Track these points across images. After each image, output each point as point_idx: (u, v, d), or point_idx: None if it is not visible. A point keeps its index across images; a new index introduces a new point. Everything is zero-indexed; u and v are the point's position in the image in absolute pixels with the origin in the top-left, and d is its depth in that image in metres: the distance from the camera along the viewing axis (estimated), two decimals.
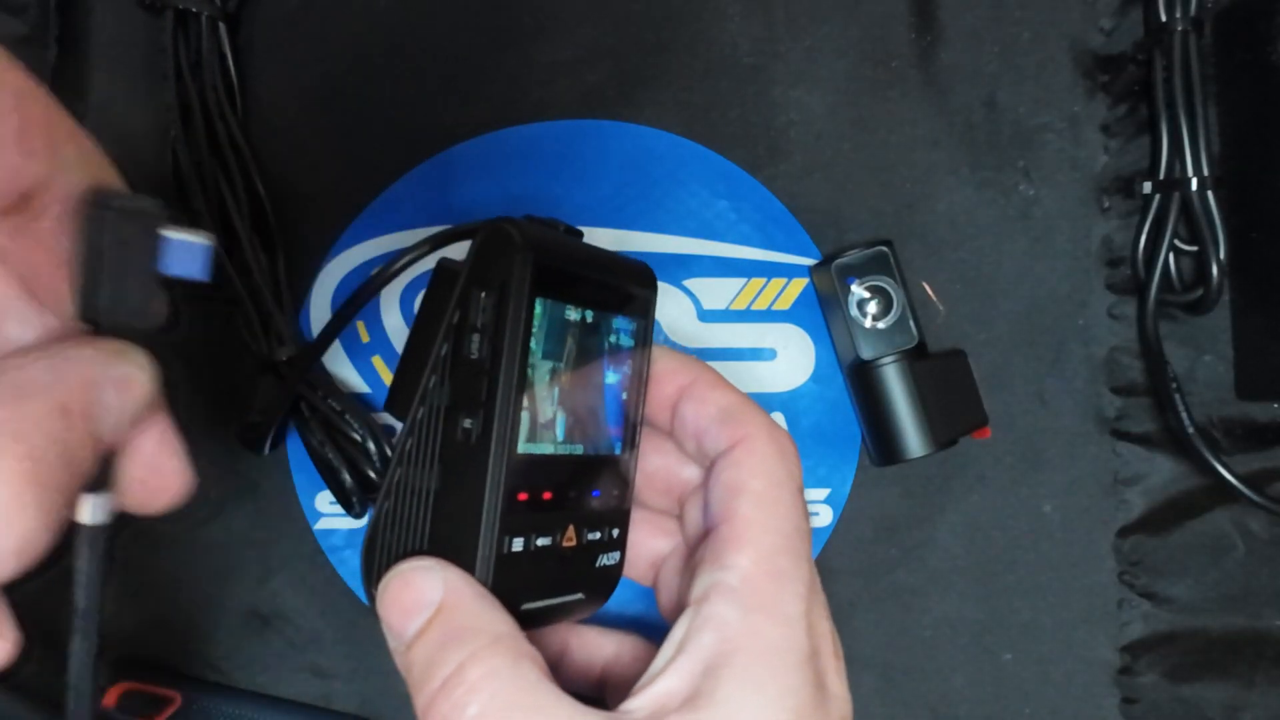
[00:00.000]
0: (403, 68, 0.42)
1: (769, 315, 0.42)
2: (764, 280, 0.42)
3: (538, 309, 0.26)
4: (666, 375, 0.31)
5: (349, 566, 0.41)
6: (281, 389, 0.38)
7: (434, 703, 0.23)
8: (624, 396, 0.30)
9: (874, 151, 0.42)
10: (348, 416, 0.39)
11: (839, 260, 0.39)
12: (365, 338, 0.41)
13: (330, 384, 0.40)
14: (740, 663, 0.25)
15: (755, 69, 0.42)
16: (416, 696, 0.24)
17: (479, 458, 0.25)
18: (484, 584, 0.25)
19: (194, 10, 0.40)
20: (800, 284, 0.42)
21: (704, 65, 0.42)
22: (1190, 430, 0.39)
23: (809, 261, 0.42)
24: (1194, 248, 0.40)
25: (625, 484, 0.31)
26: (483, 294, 0.26)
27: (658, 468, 0.33)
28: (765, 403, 0.41)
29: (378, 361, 0.41)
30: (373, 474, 0.39)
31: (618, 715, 0.24)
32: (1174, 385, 0.40)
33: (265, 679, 0.41)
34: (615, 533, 0.30)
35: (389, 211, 0.41)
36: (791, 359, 0.41)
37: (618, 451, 0.30)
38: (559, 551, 0.27)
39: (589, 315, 0.28)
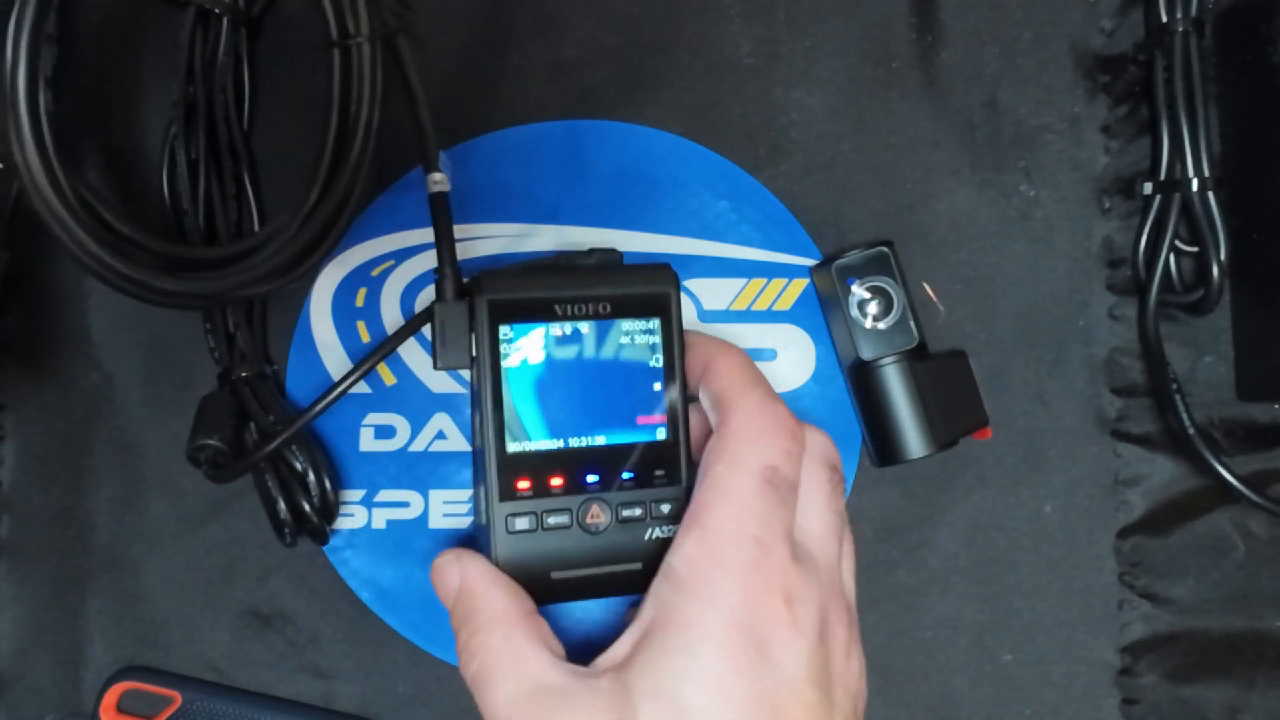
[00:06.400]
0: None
1: (769, 316, 0.42)
2: (764, 281, 0.42)
3: (508, 332, 0.32)
4: (693, 361, 0.34)
5: (349, 567, 0.41)
6: (252, 453, 0.37)
7: (462, 656, 0.31)
8: (656, 387, 0.33)
9: (875, 152, 0.42)
10: (294, 447, 0.38)
11: (839, 261, 0.39)
12: (366, 338, 0.41)
13: (279, 407, 0.40)
14: (659, 635, 0.29)
15: (756, 69, 0.42)
16: (457, 645, 0.31)
17: (482, 460, 0.32)
18: (496, 560, 0.32)
19: (216, 11, 0.39)
20: (801, 284, 0.42)
21: (704, 65, 0.42)
22: (1191, 431, 0.39)
23: (809, 262, 0.42)
24: (1195, 249, 0.40)
25: (672, 465, 0.34)
26: (470, 335, 0.33)
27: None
28: None
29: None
30: (308, 506, 0.38)
31: (574, 668, 0.29)
32: (1174, 386, 0.40)
33: (265, 679, 0.41)
34: (665, 508, 0.33)
35: (389, 212, 0.41)
36: (792, 359, 0.41)
37: (659, 438, 0.33)
38: (585, 528, 0.32)
39: (582, 327, 0.33)
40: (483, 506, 0.33)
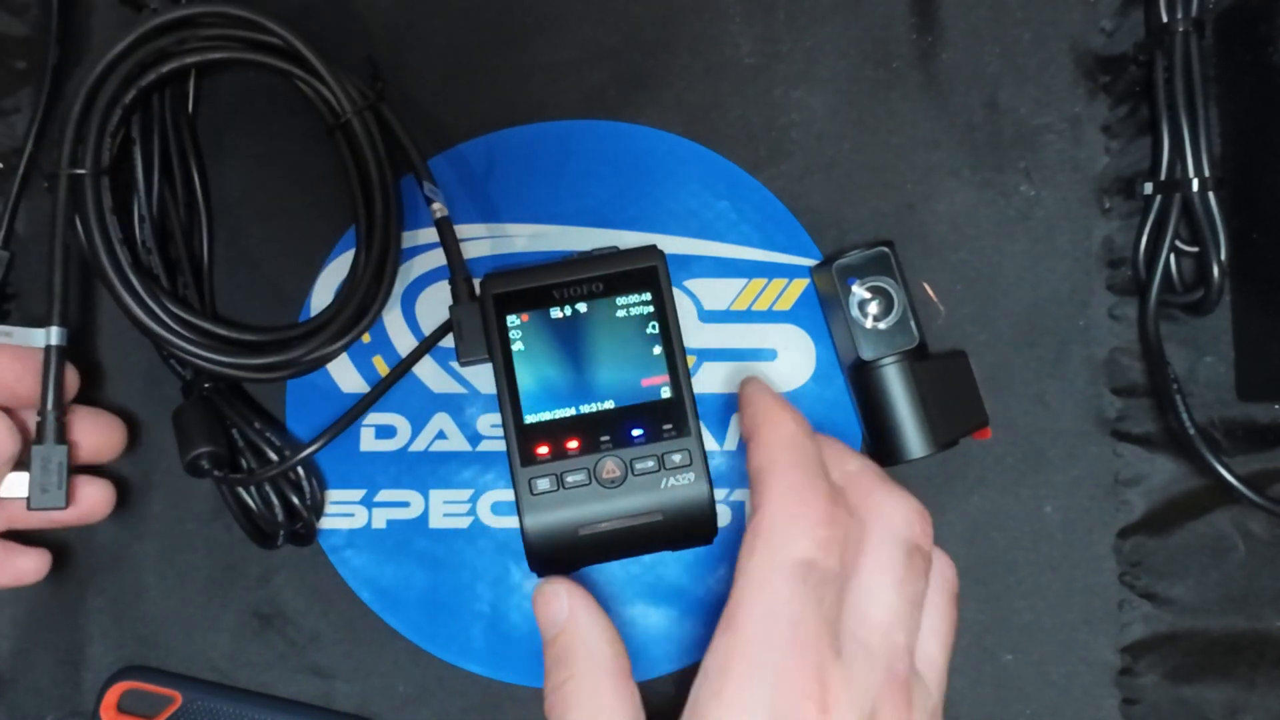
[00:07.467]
0: (403, 68, 0.42)
1: (770, 316, 0.42)
2: (765, 281, 0.42)
3: (515, 321, 0.36)
4: (743, 422, 0.34)
5: (349, 566, 0.41)
6: (283, 461, 0.38)
7: (550, 695, 0.32)
8: (655, 352, 0.36)
9: (875, 152, 0.42)
10: (287, 452, 0.38)
11: (840, 261, 0.39)
12: (366, 338, 0.41)
13: (257, 409, 0.41)
14: None
15: (756, 69, 0.42)
16: (546, 680, 0.32)
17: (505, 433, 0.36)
18: (524, 526, 0.35)
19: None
20: (801, 284, 0.42)
21: (704, 65, 0.42)
22: (1191, 431, 0.39)
23: (810, 262, 0.42)
24: (1195, 249, 0.40)
25: (679, 418, 0.36)
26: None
27: None
28: None
29: (378, 361, 0.41)
30: (296, 499, 0.39)
31: None
32: (1175, 386, 0.40)
33: (265, 679, 0.41)
34: (677, 458, 0.36)
35: None
36: (792, 359, 0.41)
37: (663, 396, 0.36)
38: (603, 482, 0.35)
39: (580, 307, 0.36)
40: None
